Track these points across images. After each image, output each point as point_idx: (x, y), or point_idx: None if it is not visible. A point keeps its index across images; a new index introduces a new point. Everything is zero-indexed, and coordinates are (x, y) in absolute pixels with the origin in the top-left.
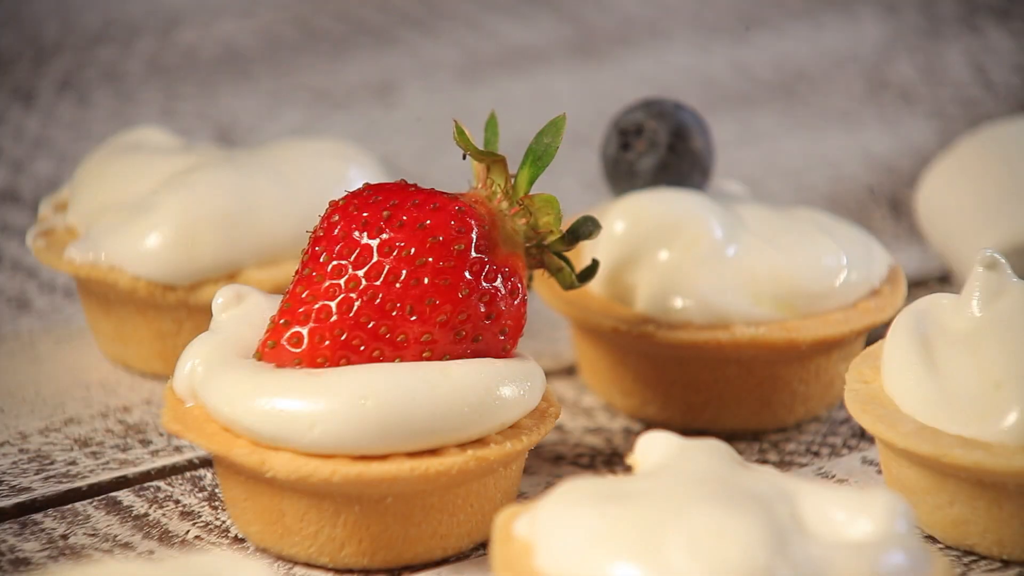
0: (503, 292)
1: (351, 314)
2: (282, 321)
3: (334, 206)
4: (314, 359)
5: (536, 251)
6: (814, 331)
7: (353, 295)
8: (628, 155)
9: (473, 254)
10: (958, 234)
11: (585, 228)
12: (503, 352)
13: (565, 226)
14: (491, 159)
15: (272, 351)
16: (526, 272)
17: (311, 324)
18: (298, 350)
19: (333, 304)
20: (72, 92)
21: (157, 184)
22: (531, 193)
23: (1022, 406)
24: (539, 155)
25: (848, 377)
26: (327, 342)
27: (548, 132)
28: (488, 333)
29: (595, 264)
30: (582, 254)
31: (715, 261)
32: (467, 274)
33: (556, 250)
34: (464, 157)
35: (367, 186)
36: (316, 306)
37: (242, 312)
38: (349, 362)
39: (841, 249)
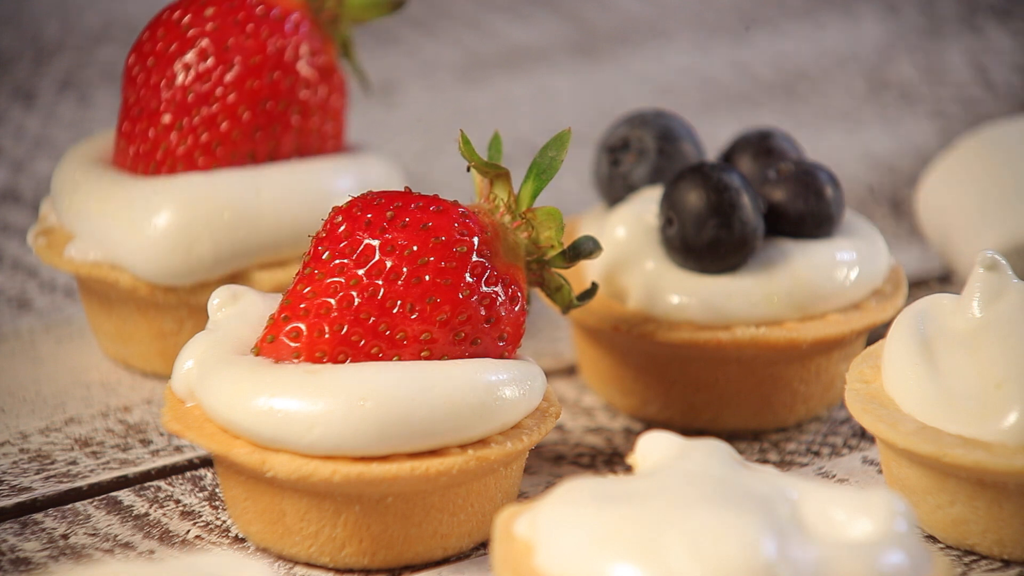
0: (503, 298)
1: (351, 308)
2: (283, 316)
3: (337, 210)
4: (313, 353)
5: (536, 266)
6: (814, 331)
7: (354, 292)
8: (620, 170)
9: (475, 257)
10: (958, 234)
11: (586, 247)
12: (502, 358)
13: (566, 240)
14: (495, 172)
15: (271, 345)
16: (526, 286)
17: (311, 318)
18: (297, 344)
19: (334, 300)
20: (72, 92)
21: (159, 183)
22: (534, 207)
23: (1022, 406)
24: (543, 169)
25: (848, 377)
26: (327, 336)
27: (553, 146)
28: (487, 337)
29: (594, 287)
30: (581, 272)
31: None
32: (468, 276)
33: (557, 266)
34: (468, 169)
35: (371, 192)
36: (317, 302)
37: (238, 310)
38: (348, 357)
39: (853, 246)
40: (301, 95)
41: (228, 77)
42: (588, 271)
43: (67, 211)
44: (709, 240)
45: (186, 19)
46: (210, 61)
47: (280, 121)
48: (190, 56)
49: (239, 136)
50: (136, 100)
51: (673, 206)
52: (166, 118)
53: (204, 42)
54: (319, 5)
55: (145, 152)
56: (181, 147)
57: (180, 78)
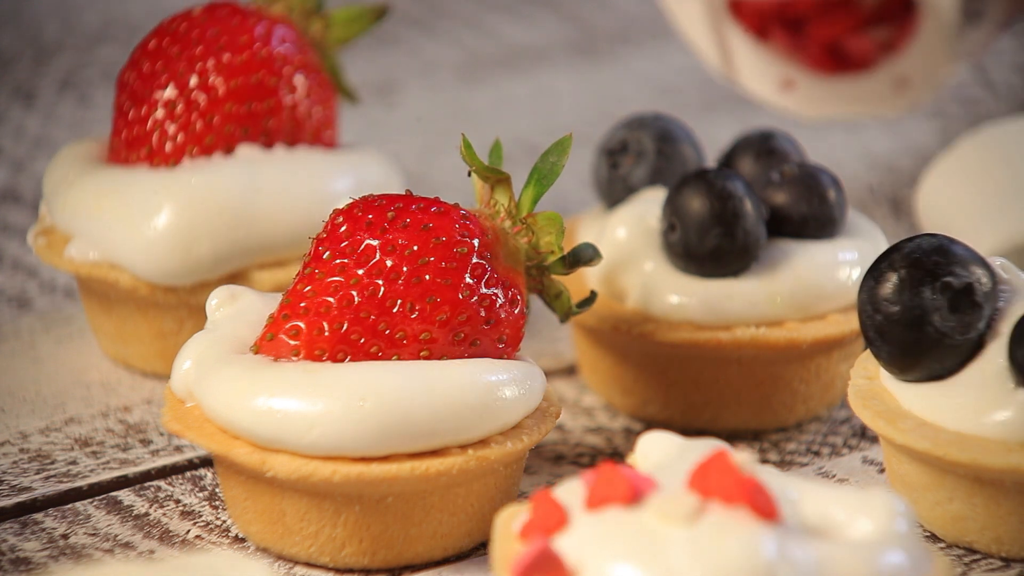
0: (503, 300)
1: (351, 307)
2: (282, 315)
3: (338, 211)
4: (312, 350)
5: (536, 272)
6: (814, 331)
7: (354, 291)
8: (619, 173)
9: (475, 259)
10: (958, 234)
11: (586, 254)
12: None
13: (565, 243)
14: (496, 178)
15: (270, 343)
16: (526, 292)
17: (311, 316)
18: (296, 342)
19: (334, 299)
20: (72, 92)
21: (158, 183)
22: (534, 212)
23: (1021, 402)
24: (544, 174)
25: (853, 372)
26: (326, 333)
27: (554, 152)
28: (486, 339)
29: (593, 295)
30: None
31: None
32: (468, 277)
33: (556, 272)
34: (469, 174)
35: (372, 195)
36: (317, 300)
37: (237, 310)
38: (347, 356)
39: (855, 246)
40: (294, 79)
41: (224, 58)
42: (588, 273)
43: (62, 210)
44: (712, 248)
45: (178, 23)
46: (199, 48)
47: (272, 96)
48: (181, 46)
49: (233, 108)
50: (130, 94)
51: (676, 212)
52: (164, 93)
53: (195, 32)
54: (305, 27)
55: (139, 135)
56: (175, 123)
57: (174, 62)
